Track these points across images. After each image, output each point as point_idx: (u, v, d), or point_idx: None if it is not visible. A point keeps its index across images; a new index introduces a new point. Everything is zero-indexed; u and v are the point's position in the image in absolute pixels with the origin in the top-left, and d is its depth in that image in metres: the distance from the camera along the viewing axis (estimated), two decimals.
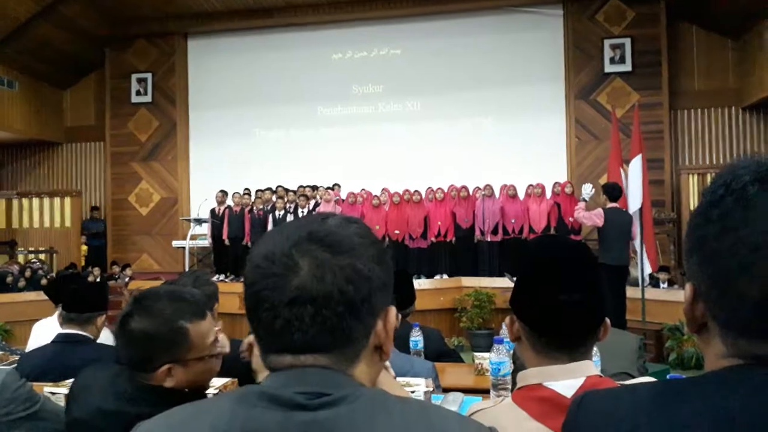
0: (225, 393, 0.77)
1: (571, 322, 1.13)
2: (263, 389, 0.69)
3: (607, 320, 1.19)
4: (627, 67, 10.11)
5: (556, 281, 1.13)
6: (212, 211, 9.44)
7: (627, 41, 10.11)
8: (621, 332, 3.42)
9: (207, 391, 1.80)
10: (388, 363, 1.06)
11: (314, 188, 9.50)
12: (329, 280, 0.70)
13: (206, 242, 9.78)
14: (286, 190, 9.48)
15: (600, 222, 6.33)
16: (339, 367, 0.71)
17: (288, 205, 8.95)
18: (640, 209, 6.82)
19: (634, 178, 6.90)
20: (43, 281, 8.85)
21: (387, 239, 8.55)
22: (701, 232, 0.66)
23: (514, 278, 1.26)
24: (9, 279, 9.18)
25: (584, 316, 1.14)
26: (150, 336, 1.38)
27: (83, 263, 11.26)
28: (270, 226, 8.36)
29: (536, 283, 1.17)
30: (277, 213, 8.84)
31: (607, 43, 10.19)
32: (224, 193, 9.55)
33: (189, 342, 1.41)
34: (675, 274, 8.37)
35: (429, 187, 8.89)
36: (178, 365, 1.40)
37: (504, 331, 2.67)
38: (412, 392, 1.91)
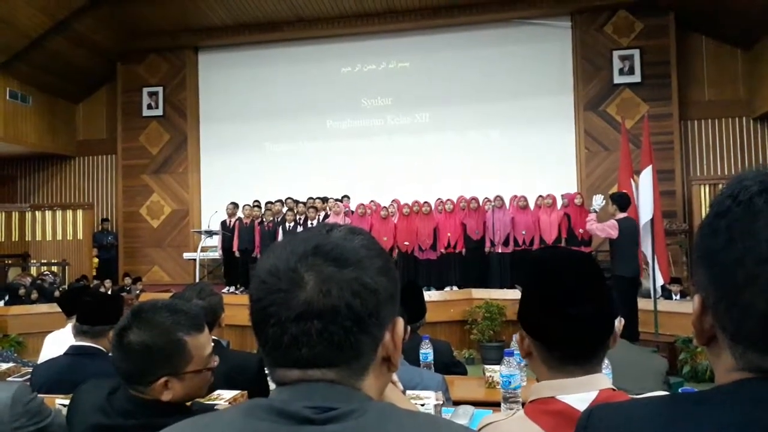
0: (233, 406, 0.77)
1: (582, 335, 1.12)
2: (271, 403, 0.69)
3: (615, 328, 1.18)
4: (636, 78, 10.10)
5: (564, 295, 1.12)
6: (223, 223, 9.48)
7: (636, 52, 10.10)
8: (649, 354, 3.39)
9: (218, 405, 1.81)
10: (395, 377, 1.05)
11: (324, 200, 9.53)
12: (336, 295, 0.69)
13: (217, 254, 9.81)
14: (296, 202, 9.51)
15: (615, 233, 6.29)
16: (347, 380, 0.71)
17: (298, 217, 8.97)
18: (652, 220, 6.78)
19: (644, 189, 6.86)
20: (56, 293, 8.90)
21: (396, 250, 8.54)
22: (708, 243, 0.66)
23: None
24: (22, 291, 9.25)
25: (594, 329, 1.13)
26: (148, 348, 1.37)
27: (95, 275, 11.33)
28: (280, 238, 8.36)
29: (543, 297, 1.15)
30: (287, 225, 8.86)
31: (615, 54, 10.19)
32: (235, 205, 9.59)
33: (187, 355, 1.41)
34: (687, 286, 8.29)
35: (438, 199, 8.88)
36: (175, 378, 1.39)
37: (515, 343, 2.65)
38: (422, 405, 1.90)
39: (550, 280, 1.16)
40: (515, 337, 1.24)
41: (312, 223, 8.72)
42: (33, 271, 11.14)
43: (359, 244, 0.74)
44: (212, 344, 1.52)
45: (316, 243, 0.73)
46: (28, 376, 2.55)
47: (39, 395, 1.87)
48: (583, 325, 1.11)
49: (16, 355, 6.98)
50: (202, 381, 1.46)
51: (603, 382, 1.13)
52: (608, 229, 6.36)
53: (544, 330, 1.15)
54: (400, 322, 0.77)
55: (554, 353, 1.14)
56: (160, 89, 11.86)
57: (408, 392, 1.98)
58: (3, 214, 11.76)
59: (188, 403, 1.46)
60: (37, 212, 11.94)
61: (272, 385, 0.75)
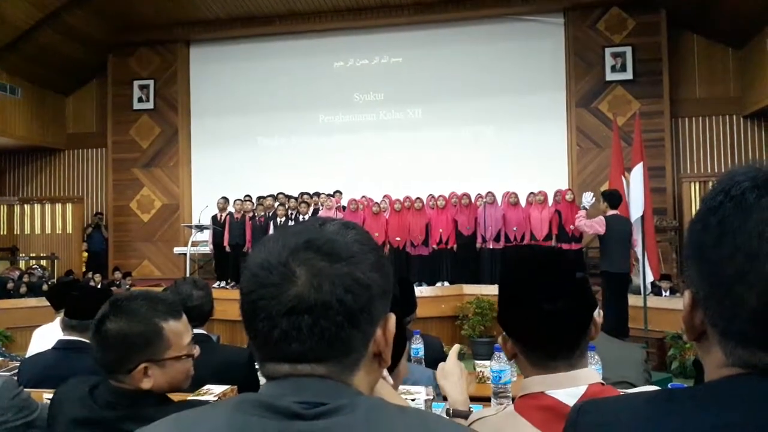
0: (223, 401, 0.77)
1: (560, 330, 1.12)
2: (260, 398, 0.68)
3: (595, 317, 1.18)
4: (628, 75, 10.13)
5: (537, 291, 1.12)
6: (213, 217, 9.44)
7: (628, 50, 10.13)
8: (627, 344, 3.43)
9: (207, 399, 1.80)
10: (386, 372, 1.05)
11: (316, 195, 9.51)
12: (327, 290, 0.69)
13: (207, 249, 9.77)
14: (288, 197, 9.49)
15: (602, 230, 6.32)
16: (337, 376, 0.70)
17: (289, 212, 8.96)
18: (642, 217, 6.81)
19: (635, 186, 6.89)
20: (44, 287, 8.85)
21: (388, 246, 8.54)
22: (700, 238, 0.66)
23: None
24: (10, 285, 9.19)
25: (571, 323, 1.14)
26: (125, 335, 1.38)
27: (84, 269, 11.27)
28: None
29: (518, 296, 1.16)
30: (278, 220, 8.84)
31: (608, 51, 10.22)
32: (225, 199, 9.56)
33: (165, 340, 1.41)
34: (677, 282, 8.34)
35: (430, 195, 8.89)
36: (154, 365, 1.39)
37: None
38: (413, 400, 1.90)
39: (523, 279, 1.17)
40: (500, 339, 1.24)
41: (303, 218, 8.70)
42: (22, 264, 11.06)
43: (352, 239, 0.73)
44: (191, 333, 1.52)
45: (309, 237, 0.72)
46: (16, 371, 2.53)
47: (26, 389, 1.86)
48: (560, 319, 1.11)
49: (3, 349, 6.95)
50: (182, 369, 1.45)
51: (592, 376, 1.14)
52: (596, 226, 6.39)
53: (523, 329, 1.15)
54: (392, 318, 0.76)
55: (536, 351, 1.14)
56: (151, 82, 11.78)
57: (399, 387, 1.98)
58: None
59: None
60: (25, 206, 11.85)
61: (263, 380, 0.75)
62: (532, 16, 10.57)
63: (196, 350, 1.50)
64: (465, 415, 1.43)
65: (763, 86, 9.12)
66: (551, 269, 1.16)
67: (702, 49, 10.26)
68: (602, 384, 1.14)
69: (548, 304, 1.11)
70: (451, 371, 1.52)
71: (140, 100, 11.80)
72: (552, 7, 10.43)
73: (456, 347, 1.60)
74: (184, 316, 1.49)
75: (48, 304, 3.61)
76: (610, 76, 10.22)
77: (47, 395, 1.96)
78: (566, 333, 1.13)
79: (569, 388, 1.11)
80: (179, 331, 1.45)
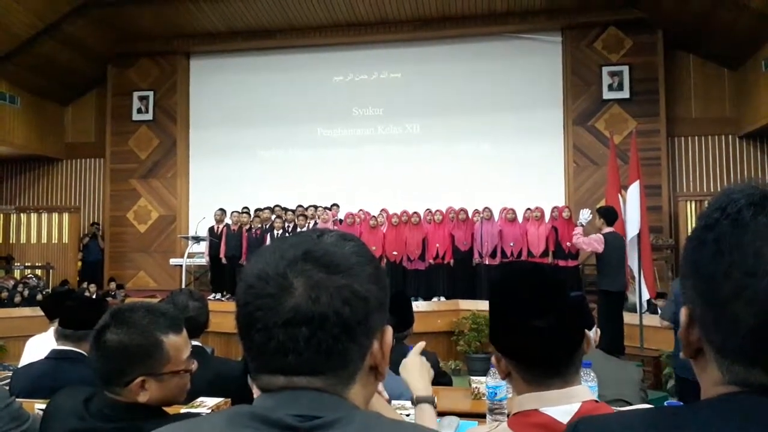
0: (216, 412, 0.76)
1: (554, 346, 1.12)
2: (254, 410, 0.68)
3: (587, 333, 1.18)
4: (625, 94, 10.20)
5: (527, 307, 1.12)
6: (210, 229, 9.42)
7: (625, 69, 10.21)
8: (624, 363, 3.43)
9: (201, 411, 1.78)
10: (381, 387, 1.05)
11: (313, 208, 9.51)
12: (325, 302, 0.68)
13: (203, 260, 9.73)
14: (285, 210, 9.48)
15: (600, 248, 6.31)
16: (333, 389, 0.70)
17: (286, 225, 8.94)
18: (638, 235, 6.82)
19: (632, 204, 6.90)
20: (39, 297, 8.80)
21: (384, 260, 8.53)
22: (696, 255, 0.66)
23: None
24: (4, 294, 9.13)
25: (564, 338, 1.13)
26: (125, 347, 1.37)
27: (79, 279, 11.21)
28: None
29: (509, 314, 1.15)
30: (275, 232, 8.82)
31: (605, 70, 10.30)
32: (222, 211, 9.54)
33: (164, 355, 1.40)
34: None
35: (428, 209, 8.90)
36: (152, 379, 1.38)
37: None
38: (407, 416, 1.89)
39: (511, 296, 1.17)
40: (493, 359, 1.23)
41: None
42: (17, 274, 11.01)
43: (350, 251, 0.73)
44: (191, 347, 1.51)
45: (307, 248, 0.72)
46: (8, 380, 2.51)
47: (18, 400, 1.84)
48: (553, 335, 1.11)
49: None
50: (179, 383, 1.44)
51: (585, 393, 1.13)
52: (594, 243, 6.38)
53: (517, 347, 1.14)
54: (389, 330, 0.76)
55: (532, 369, 1.14)
56: (150, 93, 11.80)
57: (393, 402, 1.97)
58: None
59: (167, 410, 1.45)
60: (22, 214, 11.82)
61: (256, 393, 0.74)
62: (530, 34, 10.66)
63: (194, 365, 1.49)
64: (429, 400, 1.47)
65: (758, 107, 9.19)
66: (538, 285, 1.16)
67: (698, 69, 10.35)
68: (596, 401, 1.14)
69: (539, 320, 1.11)
70: (412, 364, 1.56)
71: (139, 111, 11.82)
72: (550, 26, 10.53)
73: (420, 344, 1.65)
74: (185, 331, 1.48)
75: (42, 313, 3.59)
76: (607, 95, 10.29)
77: (39, 405, 1.94)
78: (560, 349, 1.13)
79: (563, 405, 1.10)
80: (179, 345, 1.44)
